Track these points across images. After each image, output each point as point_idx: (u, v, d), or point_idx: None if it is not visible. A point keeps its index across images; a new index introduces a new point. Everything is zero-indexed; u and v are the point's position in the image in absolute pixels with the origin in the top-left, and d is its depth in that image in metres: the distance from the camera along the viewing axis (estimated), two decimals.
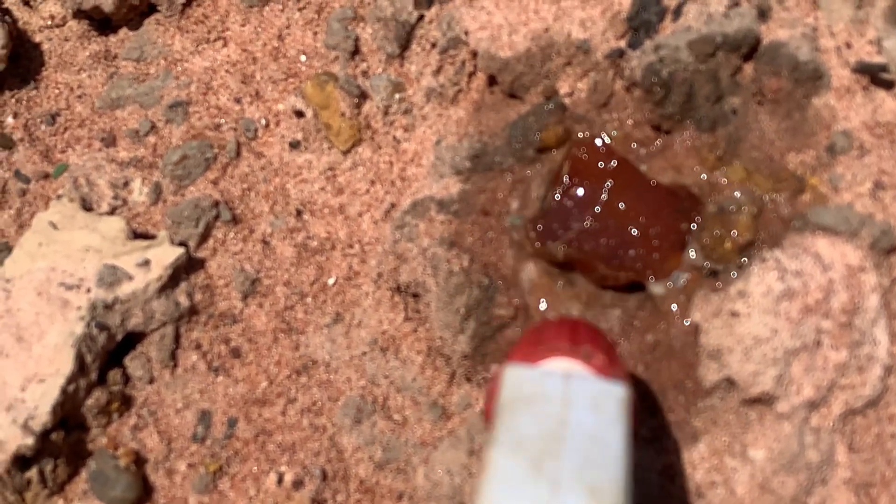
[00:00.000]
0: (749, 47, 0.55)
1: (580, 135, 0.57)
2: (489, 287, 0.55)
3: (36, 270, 0.56)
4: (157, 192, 0.60)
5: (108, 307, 0.55)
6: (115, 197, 0.60)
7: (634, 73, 0.56)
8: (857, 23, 0.57)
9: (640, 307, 0.55)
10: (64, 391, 0.52)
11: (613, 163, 0.54)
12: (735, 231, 0.54)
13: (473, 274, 0.55)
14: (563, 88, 0.58)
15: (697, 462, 0.52)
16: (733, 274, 0.53)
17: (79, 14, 0.65)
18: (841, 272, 0.52)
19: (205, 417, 0.56)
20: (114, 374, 0.55)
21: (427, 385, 0.56)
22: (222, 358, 0.57)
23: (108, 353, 0.55)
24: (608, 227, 0.54)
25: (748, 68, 0.56)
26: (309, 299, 0.58)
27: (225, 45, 0.64)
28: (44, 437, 0.52)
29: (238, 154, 0.61)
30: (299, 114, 0.62)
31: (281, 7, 0.64)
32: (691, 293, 0.53)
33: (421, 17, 0.61)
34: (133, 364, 0.56)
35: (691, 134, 0.56)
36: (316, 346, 0.58)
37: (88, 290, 0.55)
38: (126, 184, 0.61)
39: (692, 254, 0.54)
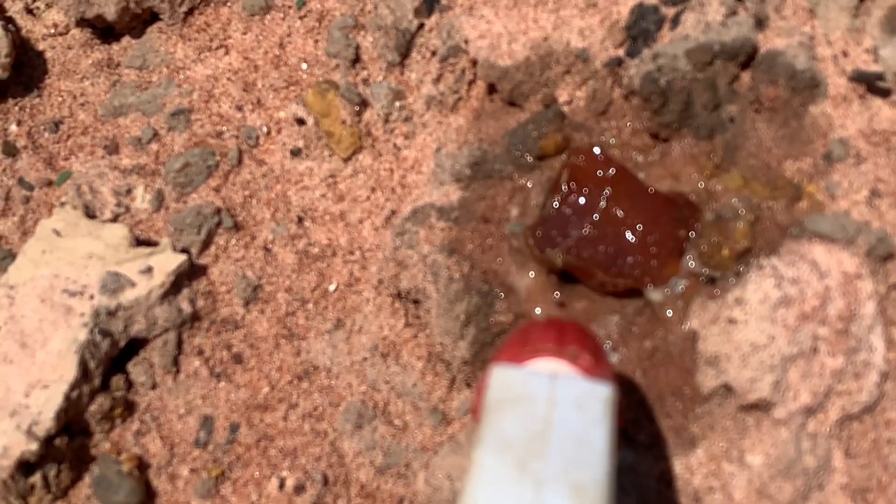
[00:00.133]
0: (746, 56, 0.56)
1: (579, 143, 0.57)
2: (489, 294, 0.55)
3: (39, 277, 0.56)
4: (159, 200, 0.61)
5: (111, 314, 0.55)
6: (118, 204, 0.61)
7: (633, 82, 0.56)
8: (853, 31, 0.57)
9: (639, 314, 0.55)
10: (67, 397, 0.53)
11: (612, 171, 0.55)
12: (733, 238, 0.54)
13: (473, 281, 0.55)
14: (562, 97, 0.58)
15: (695, 467, 0.53)
16: (731, 281, 0.53)
17: (82, 22, 0.66)
18: (837, 279, 0.52)
19: (207, 423, 0.56)
20: (117, 380, 0.56)
21: (427, 390, 0.57)
22: (224, 363, 0.58)
23: (111, 359, 0.56)
24: (607, 234, 0.54)
25: (745, 77, 0.57)
26: (310, 305, 0.59)
27: (227, 53, 0.65)
28: (47, 442, 0.52)
29: (240, 161, 0.62)
30: (300, 121, 0.62)
31: (282, 15, 0.65)
32: (689, 300, 0.54)
33: (421, 26, 0.61)
34: (136, 370, 0.56)
35: (689, 142, 0.56)
36: (317, 352, 0.58)
37: (92, 297, 0.55)
38: (129, 191, 0.61)
39: (690, 261, 0.54)
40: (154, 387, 0.57)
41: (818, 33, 0.57)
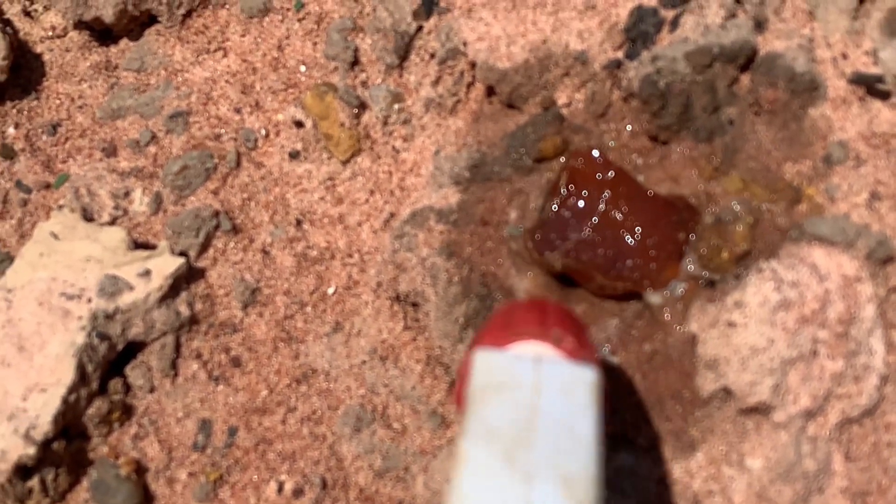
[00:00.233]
0: (746, 58, 0.56)
1: (578, 145, 0.57)
2: (488, 297, 0.55)
3: (37, 280, 0.56)
4: (157, 202, 0.61)
5: (109, 317, 0.55)
6: (116, 207, 0.61)
7: (632, 84, 0.56)
8: (853, 34, 0.57)
9: (638, 317, 0.55)
10: (65, 401, 0.53)
11: (611, 173, 0.55)
12: (732, 241, 0.54)
13: (472, 284, 0.55)
14: (561, 99, 0.58)
15: (695, 471, 0.53)
16: (730, 284, 0.53)
17: (79, 25, 0.66)
18: (837, 282, 0.52)
19: (205, 426, 0.56)
20: (115, 384, 0.56)
21: (426, 394, 0.56)
22: (223, 367, 0.57)
23: (108, 363, 0.56)
24: (606, 237, 0.54)
25: (745, 79, 0.57)
26: (309, 308, 0.59)
27: (225, 55, 0.65)
28: (45, 446, 0.52)
29: (238, 164, 0.62)
30: (299, 124, 0.62)
31: (281, 18, 0.65)
32: (688, 303, 0.54)
33: (420, 28, 0.61)
34: (134, 373, 0.56)
35: (688, 144, 0.56)
36: (316, 355, 0.58)
37: (89, 300, 0.55)
38: (127, 194, 0.61)
39: (689, 264, 0.54)
40: (152, 390, 0.57)
41: (817, 35, 0.57)
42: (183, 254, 0.59)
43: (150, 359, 0.57)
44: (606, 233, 0.54)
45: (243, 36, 0.65)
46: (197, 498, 0.55)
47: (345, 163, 0.61)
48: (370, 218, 0.60)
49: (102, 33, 0.66)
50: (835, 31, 0.57)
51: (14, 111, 0.65)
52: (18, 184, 0.62)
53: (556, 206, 0.55)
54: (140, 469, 0.55)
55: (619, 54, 0.57)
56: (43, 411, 0.52)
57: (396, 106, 0.61)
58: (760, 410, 0.52)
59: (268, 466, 0.56)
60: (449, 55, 0.60)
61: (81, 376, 0.54)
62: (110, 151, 0.63)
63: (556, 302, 0.53)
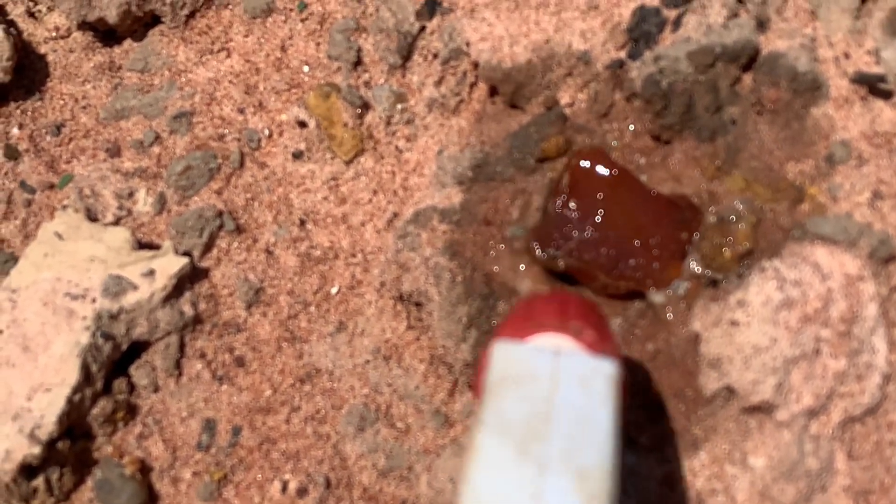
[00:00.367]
0: (748, 58, 0.56)
1: (581, 145, 0.57)
2: (491, 296, 0.55)
3: (41, 281, 0.56)
4: (161, 203, 0.61)
5: (114, 317, 0.55)
6: (120, 207, 0.61)
7: (634, 84, 0.56)
8: (855, 33, 0.57)
9: (641, 316, 0.55)
10: (70, 400, 0.53)
11: (614, 173, 0.55)
12: (734, 240, 0.54)
13: (475, 283, 0.55)
14: (564, 99, 0.58)
15: (698, 470, 0.53)
16: (733, 283, 0.53)
17: (83, 26, 0.66)
18: (840, 281, 0.52)
19: (209, 426, 0.56)
20: (119, 384, 0.56)
21: (430, 393, 0.57)
22: (226, 366, 0.58)
23: (113, 363, 0.56)
24: (608, 236, 0.54)
25: (747, 79, 0.57)
26: (312, 308, 0.59)
27: (228, 55, 0.65)
28: (50, 446, 0.52)
29: (241, 164, 0.62)
30: (302, 124, 0.62)
31: (284, 18, 0.65)
32: (691, 302, 0.54)
33: (423, 29, 0.61)
34: (138, 373, 0.57)
35: (691, 144, 0.56)
36: (319, 355, 0.58)
37: (94, 300, 0.55)
38: (131, 194, 0.61)
39: (692, 263, 0.54)
40: (156, 390, 0.57)
41: (820, 35, 0.57)
42: (187, 254, 0.59)
43: (155, 358, 0.57)
44: (609, 232, 0.54)
45: (246, 36, 0.65)
46: (201, 497, 0.55)
47: (348, 163, 0.61)
48: (373, 218, 0.60)
49: (106, 34, 0.67)
50: (837, 30, 0.57)
51: (18, 112, 0.65)
52: (22, 184, 0.62)
53: (558, 205, 0.55)
54: (144, 468, 0.55)
55: (622, 54, 0.57)
56: (47, 411, 0.52)
57: (399, 106, 0.61)
58: (763, 409, 0.52)
59: (272, 466, 0.56)
60: (452, 55, 0.60)
61: (86, 376, 0.54)
62: (114, 152, 0.63)
63: (577, 295, 0.52)
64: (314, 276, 0.60)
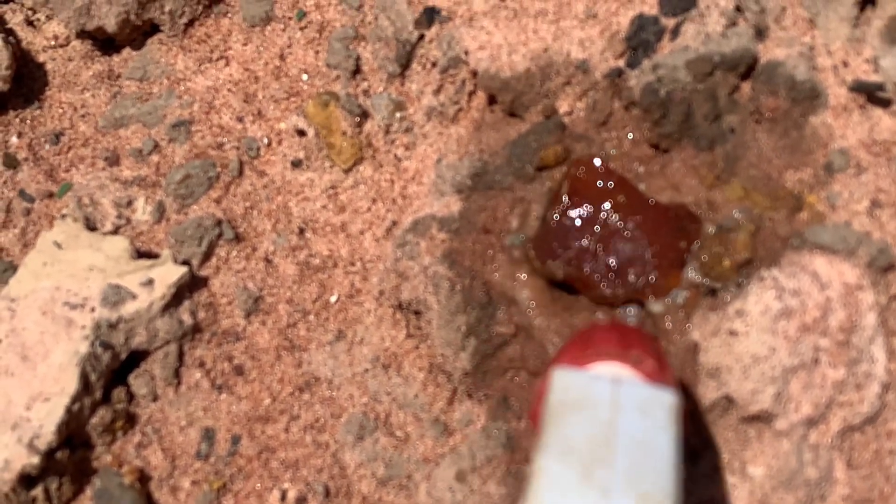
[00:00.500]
0: (746, 66, 0.56)
1: (579, 154, 0.57)
2: (490, 305, 0.55)
3: (41, 290, 0.56)
4: (160, 211, 0.61)
5: (113, 326, 0.55)
6: (119, 216, 0.61)
7: (633, 93, 0.56)
8: (853, 42, 0.57)
9: (640, 325, 0.55)
10: (69, 410, 0.53)
11: (612, 182, 0.55)
12: (733, 249, 0.54)
13: (474, 292, 0.55)
14: (563, 107, 0.58)
15: (697, 479, 0.53)
16: (732, 292, 0.53)
17: (82, 34, 0.66)
18: (838, 290, 0.52)
19: (208, 435, 0.56)
20: (118, 393, 0.56)
21: (429, 402, 0.57)
22: (225, 375, 0.58)
23: (112, 372, 0.56)
24: (607, 245, 0.54)
25: (746, 87, 0.57)
26: (311, 317, 0.59)
27: (227, 64, 0.65)
28: (49, 455, 0.52)
29: (240, 173, 0.62)
30: (301, 133, 0.62)
31: (283, 27, 0.65)
32: (690, 311, 0.54)
33: (421, 37, 0.62)
34: (137, 382, 0.57)
35: (690, 153, 0.57)
36: (318, 364, 0.58)
37: (93, 310, 0.55)
38: (129, 203, 0.61)
39: (691, 272, 0.54)
40: (155, 399, 0.57)
41: (818, 43, 0.57)
42: (186, 263, 0.59)
43: (154, 367, 0.57)
44: (608, 241, 0.54)
45: (245, 45, 0.65)
46: None
47: (347, 171, 0.62)
48: (372, 226, 0.60)
49: (105, 43, 0.67)
50: (835, 39, 0.57)
51: (17, 120, 0.65)
52: (21, 193, 0.62)
53: (557, 214, 0.55)
54: (143, 478, 0.55)
55: (621, 63, 0.57)
56: (46, 420, 0.52)
57: (398, 114, 0.61)
58: (762, 418, 0.52)
59: (271, 475, 0.56)
60: (450, 64, 0.60)
61: (85, 385, 0.54)
62: (113, 160, 0.63)
63: (636, 325, 0.53)
64: (313, 284, 0.60)
